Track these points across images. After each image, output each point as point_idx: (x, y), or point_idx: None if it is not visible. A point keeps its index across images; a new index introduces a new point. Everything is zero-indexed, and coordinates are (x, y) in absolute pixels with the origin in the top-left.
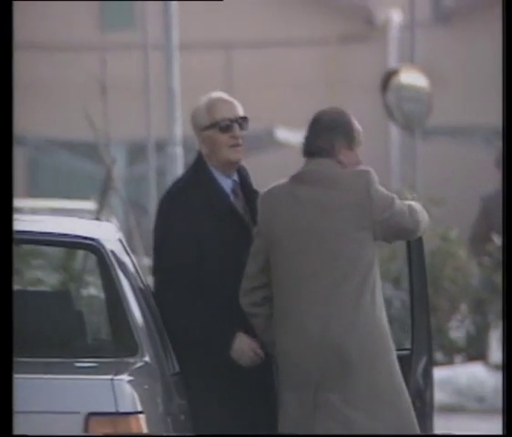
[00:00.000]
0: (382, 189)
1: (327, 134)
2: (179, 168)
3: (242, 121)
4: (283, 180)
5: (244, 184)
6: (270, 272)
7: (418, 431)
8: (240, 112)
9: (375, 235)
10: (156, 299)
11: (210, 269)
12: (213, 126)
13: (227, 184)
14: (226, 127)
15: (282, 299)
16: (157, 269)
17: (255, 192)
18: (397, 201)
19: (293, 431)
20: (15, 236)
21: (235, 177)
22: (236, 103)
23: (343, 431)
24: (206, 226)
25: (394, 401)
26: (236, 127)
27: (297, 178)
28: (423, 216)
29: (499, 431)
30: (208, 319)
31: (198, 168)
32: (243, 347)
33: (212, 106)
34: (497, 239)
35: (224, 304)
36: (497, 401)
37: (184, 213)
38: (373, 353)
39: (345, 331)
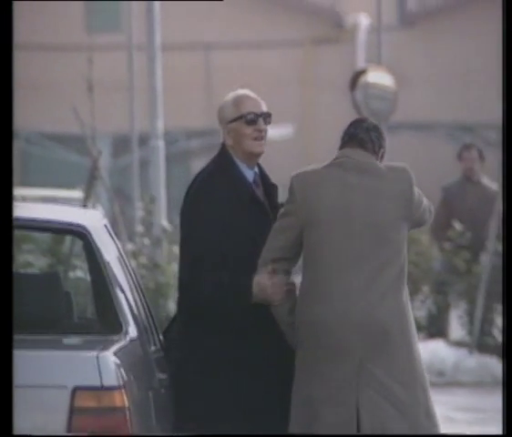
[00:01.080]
0: (416, 189)
1: (375, 133)
2: (160, 160)
3: (266, 116)
4: (318, 165)
5: (263, 176)
6: (297, 249)
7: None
8: (264, 108)
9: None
10: (184, 281)
11: (235, 254)
12: (239, 118)
13: (249, 174)
14: (251, 120)
15: (325, 276)
16: (185, 255)
17: (273, 185)
18: (425, 199)
19: (333, 400)
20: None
21: (256, 168)
22: (260, 100)
23: (384, 402)
24: (231, 213)
25: (421, 374)
26: (261, 120)
27: (343, 166)
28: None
29: (457, 403)
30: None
31: (222, 159)
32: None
33: (239, 100)
34: (458, 226)
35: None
36: (456, 375)
37: (211, 201)
38: (409, 332)
39: (389, 311)
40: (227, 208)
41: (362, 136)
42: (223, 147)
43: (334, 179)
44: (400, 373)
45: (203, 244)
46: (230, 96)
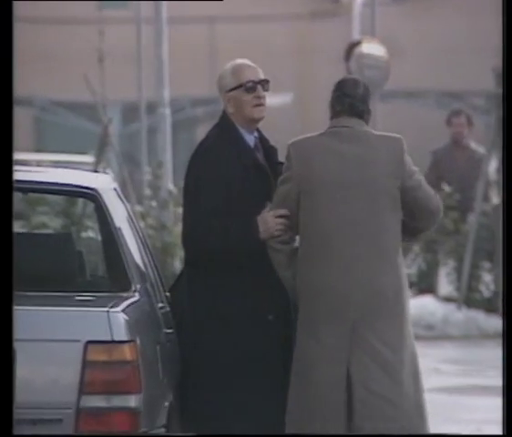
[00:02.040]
0: (409, 159)
1: (368, 100)
2: (167, 127)
3: (265, 83)
4: (315, 134)
5: (262, 139)
6: (295, 216)
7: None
8: (262, 75)
9: (402, 203)
10: (191, 234)
11: (238, 211)
12: (239, 87)
13: (250, 139)
14: (250, 87)
15: (323, 240)
16: (194, 210)
17: (272, 147)
18: (421, 176)
19: (326, 359)
20: (24, 186)
21: (255, 133)
22: (258, 67)
23: (373, 364)
24: (234, 175)
25: (410, 338)
26: (259, 87)
27: (339, 134)
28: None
29: (445, 355)
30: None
31: (225, 126)
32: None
33: (238, 69)
34: (447, 187)
35: None
36: (445, 328)
37: (217, 162)
38: (402, 297)
39: (387, 274)
40: (231, 170)
41: (360, 107)
42: (224, 115)
43: (330, 147)
44: (391, 337)
45: (211, 198)
46: (229, 65)
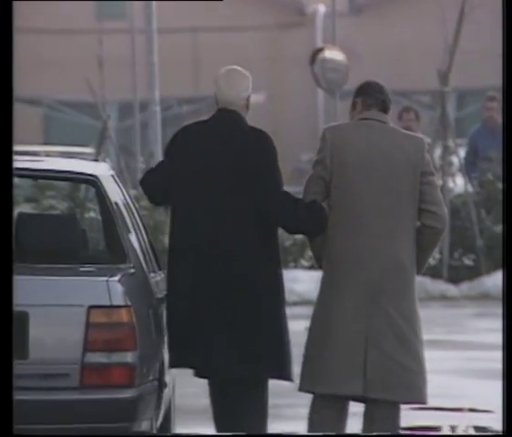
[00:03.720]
0: (429, 158)
1: (390, 100)
2: (157, 122)
3: None
4: (349, 122)
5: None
6: (328, 193)
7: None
8: None
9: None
10: None
11: None
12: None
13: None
14: None
15: (352, 215)
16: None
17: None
18: (435, 179)
19: (345, 318)
20: (34, 173)
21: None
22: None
23: (389, 331)
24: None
25: (418, 313)
26: None
27: (369, 125)
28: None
29: None
30: None
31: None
32: None
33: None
34: None
35: None
36: None
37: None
38: (414, 275)
39: (405, 249)
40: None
41: (388, 103)
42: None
43: (361, 134)
44: (405, 309)
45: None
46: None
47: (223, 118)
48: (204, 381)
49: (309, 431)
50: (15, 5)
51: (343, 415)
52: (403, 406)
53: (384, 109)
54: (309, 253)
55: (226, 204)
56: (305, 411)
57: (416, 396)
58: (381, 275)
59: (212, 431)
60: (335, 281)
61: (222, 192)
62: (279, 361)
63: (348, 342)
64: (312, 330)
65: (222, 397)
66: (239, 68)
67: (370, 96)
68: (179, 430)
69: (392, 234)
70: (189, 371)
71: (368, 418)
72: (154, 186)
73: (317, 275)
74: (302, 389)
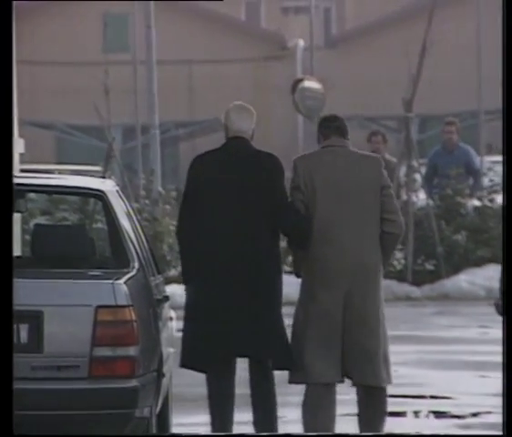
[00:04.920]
0: (386, 173)
1: (346, 125)
2: (157, 144)
3: None
4: (315, 151)
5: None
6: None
7: None
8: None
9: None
10: None
11: None
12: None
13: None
14: None
15: (324, 228)
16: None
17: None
18: (392, 192)
19: (323, 317)
20: (48, 189)
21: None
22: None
23: (359, 321)
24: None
25: (382, 304)
26: None
27: (334, 151)
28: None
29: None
30: None
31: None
32: None
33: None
34: None
35: None
36: None
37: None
38: (380, 274)
39: (370, 253)
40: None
41: (343, 128)
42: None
43: (327, 160)
44: (371, 302)
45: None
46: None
47: (237, 145)
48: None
49: (304, 417)
50: (32, 39)
51: (333, 398)
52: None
53: (342, 134)
54: (290, 260)
55: (244, 215)
56: (294, 399)
57: (379, 380)
58: (351, 276)
59: (205, 418)
60: (311, 284)
61: (241, 205)
62: (287, 353)
63: (327, 337)
64: (294, 327)
65: (224, 382)
66: (246, 105)
67: (327, 127)
68: (175, 416)
69: (359, 240)
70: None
71: (358, 401)
72: (188, 234)
73: (297, 280)
74: (293, 381)
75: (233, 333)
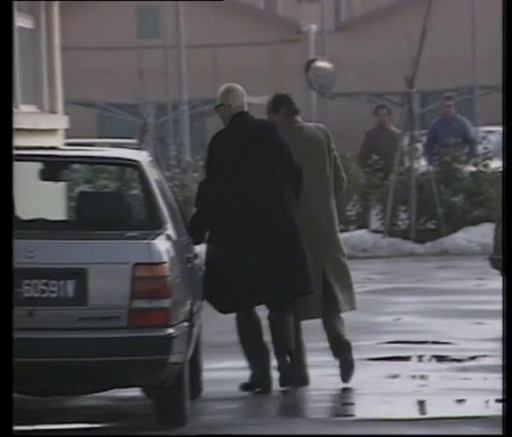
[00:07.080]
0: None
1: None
2: (185, 118)
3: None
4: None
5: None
6: None
7: None
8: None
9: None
10: None
11: None
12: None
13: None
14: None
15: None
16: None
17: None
18: (337, 154)
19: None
20: (91, 160)
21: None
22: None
23: (335, 263)
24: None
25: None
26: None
27: (302, 128)
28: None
29: (375, 269)
30: None
31: None
32: None
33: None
34: (375, 156)
35: None
36: (374, 251)
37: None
38: (335, 224)
39: (327, 213)
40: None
41: (296, 108)
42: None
43: (296, 135)
44: (339, 249)
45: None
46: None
47: (245, 118)
48: (226, 320)
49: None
50: (77, 27)
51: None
52: (382, 342)
53: (298, 113)
54: None
55: (258, 170)
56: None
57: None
58: (321, 229)
59: (231, 363)
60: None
61: (256, 165)
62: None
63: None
64: None
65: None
66: (236, 85)
67: (289, 106)
68: (205, 361)
69: (319, 199)
70: (214, 312)
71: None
72: (209, 202)
73: None
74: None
75: (261, 278)
